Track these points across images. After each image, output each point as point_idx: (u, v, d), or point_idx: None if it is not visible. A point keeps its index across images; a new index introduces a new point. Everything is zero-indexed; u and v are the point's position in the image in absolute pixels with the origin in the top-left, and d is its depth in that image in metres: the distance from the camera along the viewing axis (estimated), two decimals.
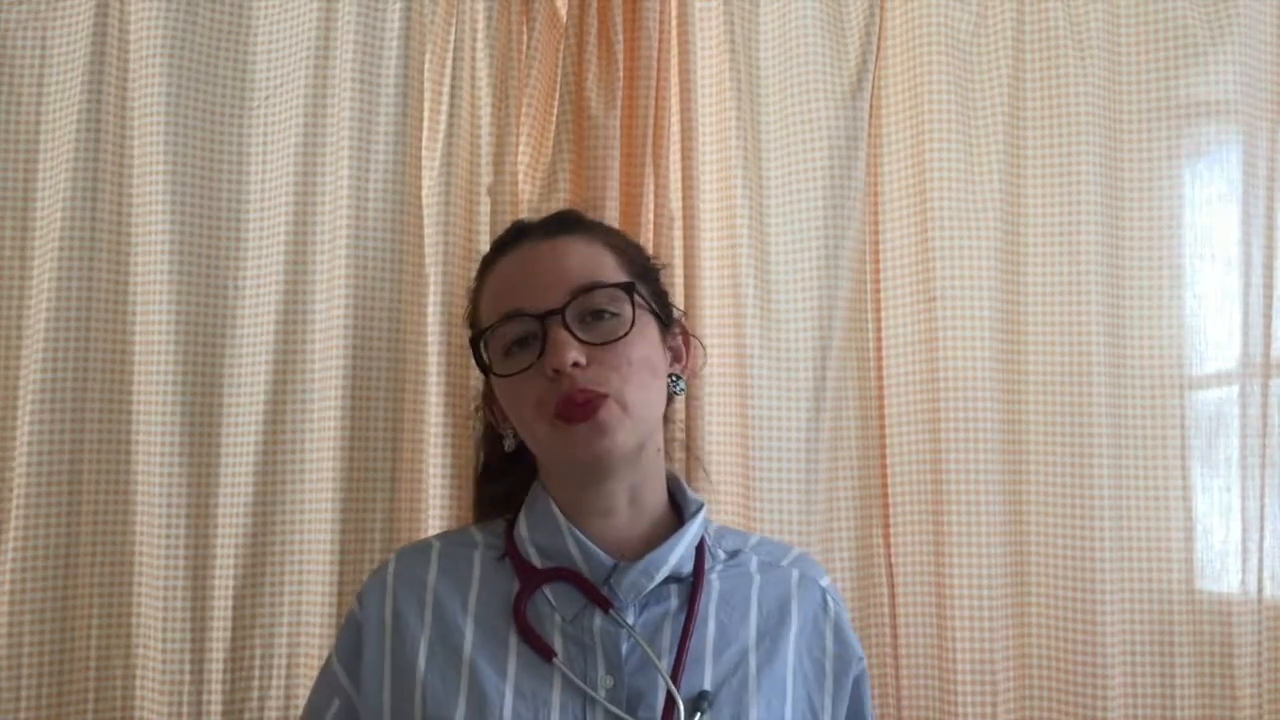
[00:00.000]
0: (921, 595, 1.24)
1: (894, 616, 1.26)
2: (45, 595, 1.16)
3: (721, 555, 0.96)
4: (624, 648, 0.87)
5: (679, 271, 1.25)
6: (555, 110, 1.26)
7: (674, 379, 0.97)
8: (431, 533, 1.15)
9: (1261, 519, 1.25)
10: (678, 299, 1.23)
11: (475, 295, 1.01)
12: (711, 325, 1.26)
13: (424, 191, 1.23)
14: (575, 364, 0.86)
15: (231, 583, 1.17)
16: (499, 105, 1.25)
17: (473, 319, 1.01)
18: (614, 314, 0.90)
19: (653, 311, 0.95)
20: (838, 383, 1.26)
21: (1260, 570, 1.24)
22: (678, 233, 1.26)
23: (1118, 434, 1.24)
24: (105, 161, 1.22)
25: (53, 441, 1.17)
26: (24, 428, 1.17)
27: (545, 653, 0.86)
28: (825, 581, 0.98)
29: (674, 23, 1.29)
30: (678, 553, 0.91)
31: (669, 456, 1.03)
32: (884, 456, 1.28)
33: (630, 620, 0.88)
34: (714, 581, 0.93)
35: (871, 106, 1.30)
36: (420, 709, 0.85)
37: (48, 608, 1.16)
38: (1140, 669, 1.22)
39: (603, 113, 1.24)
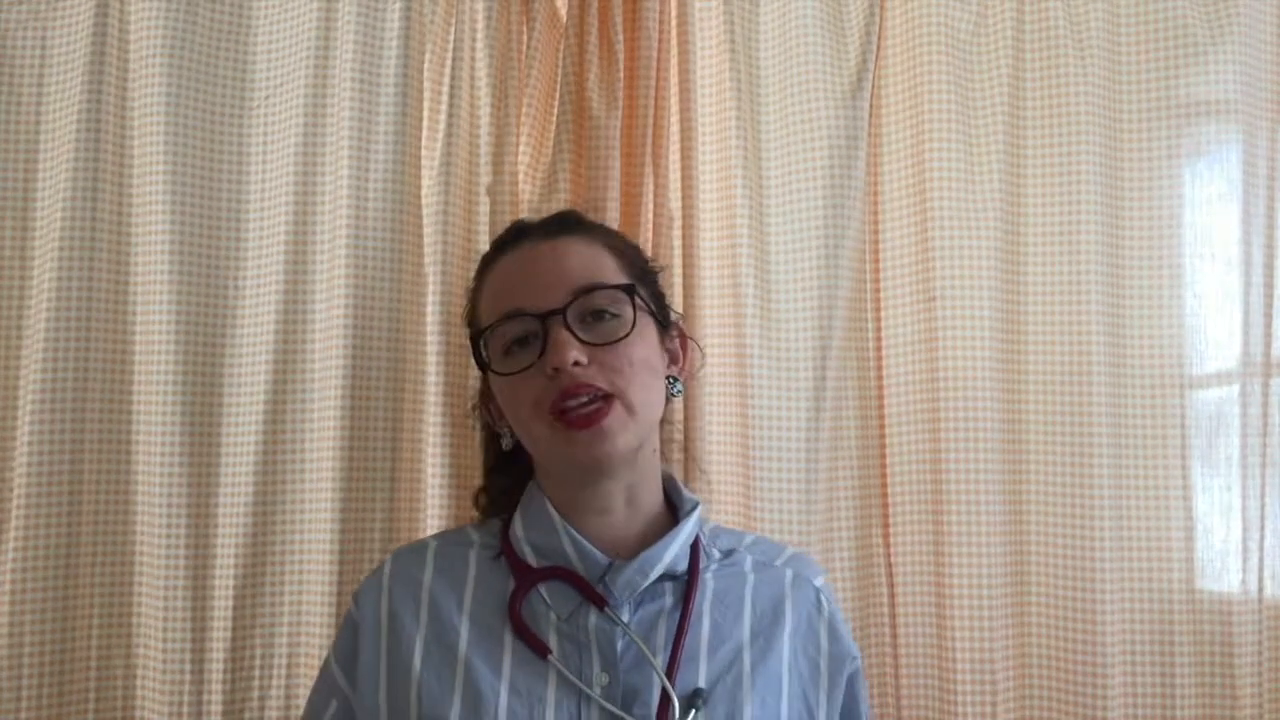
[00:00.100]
0: (921, 595, 1.24)
1: (894, 616, 1.26)
2: (46, 595, 1.16)
3: (716, 554, 0.97)
4: (619, 645, 0.87)
5: (679, 271, 1.25)
6: (555, 110, 1.27)
7: (671, 381, 0.97)
8: (430, 532, 1.15)
9: (1262, 518, 1.25)
10: (677, 299, 1.23)
11: (474, 294, 1.01)
12: (711, 325, 1.26)
13: (423, 191, 1.23)
14: (576, 363, 0.86)
15: (231, 583, 1.17)
16: (499, 105, 1.25)
17: (471, 318, 1.01)
18: (615, 315, 0.90)
19: (652, 313, 0.95)
20: (838, 383, 1.26)
21: (1261, 570, 1.24)
22: (677, 232, 1.26)
23: (1118, 434, 1.24)
24: (105, 161, 1.23)
25: (53, 441, 1.17)
26: (24, 428, 1.17)
27: (540, 650, 0.87)
28: (819, 581, 0.98)
29: (674, 23, 1.29)
30: (672, 551, 0.91)
31: (666, 457, 1.03)
32: (884, 456, 1.28)
33: (625, 618, 0.88)
34: (709, 580, 0.93)
35: (871, 106, 1.30)
36: (416, 708, 0.85)
37: (48, 607, 1.16)
38: (1140, 668, 1.22)
39: (603, 113, 1.24)
